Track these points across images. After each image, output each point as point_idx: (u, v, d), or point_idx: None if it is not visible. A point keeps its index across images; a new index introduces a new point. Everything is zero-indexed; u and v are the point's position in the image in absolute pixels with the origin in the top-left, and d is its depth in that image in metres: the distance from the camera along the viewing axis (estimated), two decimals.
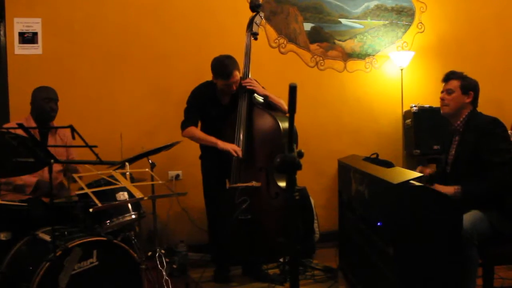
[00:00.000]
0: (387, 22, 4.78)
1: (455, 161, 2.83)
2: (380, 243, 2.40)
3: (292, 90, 1.26)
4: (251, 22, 3.38)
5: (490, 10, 4.98)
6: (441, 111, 2.90)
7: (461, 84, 2.81)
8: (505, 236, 2.56)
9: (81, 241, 2.51)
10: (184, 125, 3.40)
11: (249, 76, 3.33)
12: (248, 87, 3.27)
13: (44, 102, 3.26)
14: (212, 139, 3.28)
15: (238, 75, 3.28)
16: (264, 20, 3.45)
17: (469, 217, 2.50)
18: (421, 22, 4.86)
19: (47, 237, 2.57)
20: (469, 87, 2.81)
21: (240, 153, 3.16)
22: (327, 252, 3.90)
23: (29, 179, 3.12)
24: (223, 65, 3.25)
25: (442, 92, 2.89)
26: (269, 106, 3.33)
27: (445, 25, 4.89)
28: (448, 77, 2.88)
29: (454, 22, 4.91)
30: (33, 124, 3.28)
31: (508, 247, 2.57)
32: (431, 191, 2.33)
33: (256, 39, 3.38)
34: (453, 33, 4.89)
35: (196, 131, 3.38)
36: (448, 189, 2.63)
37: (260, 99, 3.34)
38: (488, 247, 2.53)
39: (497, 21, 4.99)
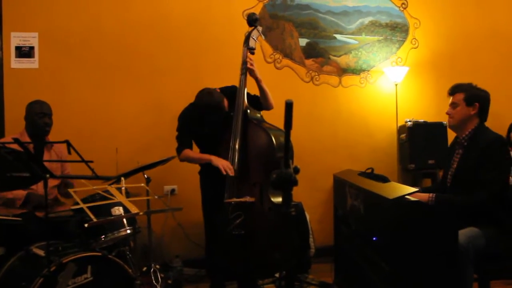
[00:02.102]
0: (381, 38, 4.83)
1: (456, 175, 2.78)
2: (376, 258, 2.40)
3: (288, 106, 1.27)
4: (248, 37, 3.38)
5: (483, 26, 5.04)
6: (448, 125, 2.87)
7: (465, 96, 2.74)
8: (501, 253, 2.55)
9: (76, 256, 2.50)
10: (179, 150, 3.40)
11: (245, 92, 3.31)
12: (251, 66, 3.27)
13: (38, 117, 3.25)
14: (206, 157, 3.27)
15: (225, 102, 3.29)
16: (261, 35, 3.44)
17: (466, 232, 2.48)
18: (415, 38, 4.91)
19: (41, 252, 2.55)
20: (474, 98, 2.73)
21: (230, 172, 3.14)
22: (323, 267, 3.88)
23: (20, 192, 3.10)
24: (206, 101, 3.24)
25: (449, 104, 2.83)
26: (262, 91, 3.36)
27: (439, 41, 4.94)
28: (453, 90, 2.82)
29: (448, 38, 4.96)
30: (28, 139, 3.26)
31: (504, 263, 2.57)
32: (427, 206, 2.34)
33: (252, 53, 3.37)
34: (447, 48, 4.95)
35: (190, 152, 3.38)
36: (422, 197, 2.61)
37: (257, 114, 3.34)
38: (485, 263, 2.52)
39: (490, 36, 5.04)
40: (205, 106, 3.22)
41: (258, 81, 3.33)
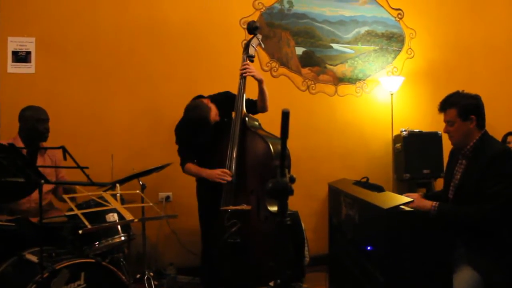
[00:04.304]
0: (377, 47, 4.86)
1: (459, 187, 2.65)
2: (370, 269, 2.40)
3: (285, 116, 1.27)
4: (247, 45, 3.39)
5: (477, 37, 5.09)
6: (451, 143, 2.73)
7: (458, 112, 2.58)
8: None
9: (69, 263, 2.49)
10: (182, 164, 3.44)
11: (244, 100, 3.31)
12: (245, 74, 3.28)
13: (38, 124, 3.25)
14: (202, 173, 3.31)
15: (213, 113, 3.32)
16: (261, 43, 3.44)
17: (463, 284, 2.34)
18: (410, 48, 4.94)
19: (34, 258, 2.54)
20: (468, 111, 2.58)
21: (227, 177, 3.15)
22: (317, 276, 3.87)
23: None
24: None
25: (444, 121, 2.69)
26: (262, 92, 3.37)
27: (434, 51, 4.98)
28: (443, 107, 2.67)
29: (443, 48, 5.00)
30: (21, 144, 3.25)
31: None
32: (421, 216, 2.33)
33: (252, 61, 3.38)
34: (442, 59, 4.99)
35: (191, 167, 3.41)
36: (426, 204, 2.53)
37: (255, 122, 3.34)
38: None
39: (485, 46, 5.10)
40: (189, 121, 3.29)
41: (260, 82, 3.35)
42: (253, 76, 3.30)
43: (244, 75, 3.29)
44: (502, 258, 2.46)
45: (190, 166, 3.41)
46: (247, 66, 3.30)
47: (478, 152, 2.58)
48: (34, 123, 3.24)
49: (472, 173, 2.56)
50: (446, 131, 2.70)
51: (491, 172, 2.45)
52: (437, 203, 2.55)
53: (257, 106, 3.42)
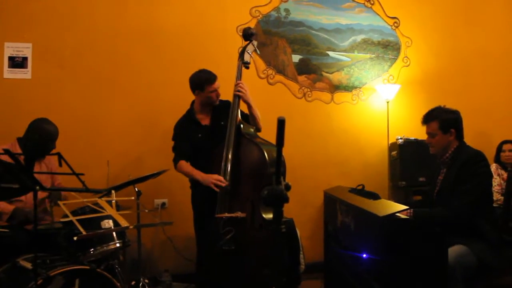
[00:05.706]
0: (373, 55, 4.88)
1: (439, 192, 2.87)
2: (366, 276, 2.39)
3: (281, 123, 1.27)
4: (243, 51, 3.39)
5: (473, 46, 5.12)
6: (431, 152, 2.95)
7: (440, 125, 2.83)
8: (491, 268, 2.58)
9: (64, 270, 2.48)
10: (175, 161, 3.43)
11: (238, 107, 3.31)
12: (238, 92, 3.28)
13: (51, 141, 3.23)
14: (196, 175, 3.29)
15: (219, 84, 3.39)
16: (256, 50, 3.45)
17: (454, 252, 2.49)
18: (406, 56, 4.96)
19: (28, 265, 2.52)
20: (449, 125, 2.83)
21: (222, 183, 3.14)
22: (312, 283, 3.86)
23: (6, 206, 3.06)
24: (206, 72, 3.42)
25: (426, 133, 2.93)
26: (252, 116, 3.38)
27: (430, 60, 5.01)
28: (426, 119, 2.92)
29: (439, 57, 5.03)
30: (19, 150, 3.23)
31: (495, 280, 2.59)
32: (417, 224, 2.34)
33: (247, 68, 3.38)
34: (438, 67, 5.01)
35: (184, 166, 3.39)
36: (403, 212, 2.61)
37: (251, 129, 3.34)
38: (475, 281, 2.54)
39: (480, 55, 5.13)
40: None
41: (249, 107, 3.36)
42: (241, 98, 3.30)
43: (235, 93, 3.29)
44: (489, 245, 2.63)
45: (183, 164, 3.39)
46: (239, 88, 3.30)
47: (456, 158, 2.82)
48: (46, 139, 3.22)
49: (450, 176, 2.80)
50: (427, 141, 2.95)
51: (464, 172, 2.70)
52: (412, 210, 2.68)
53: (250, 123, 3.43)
